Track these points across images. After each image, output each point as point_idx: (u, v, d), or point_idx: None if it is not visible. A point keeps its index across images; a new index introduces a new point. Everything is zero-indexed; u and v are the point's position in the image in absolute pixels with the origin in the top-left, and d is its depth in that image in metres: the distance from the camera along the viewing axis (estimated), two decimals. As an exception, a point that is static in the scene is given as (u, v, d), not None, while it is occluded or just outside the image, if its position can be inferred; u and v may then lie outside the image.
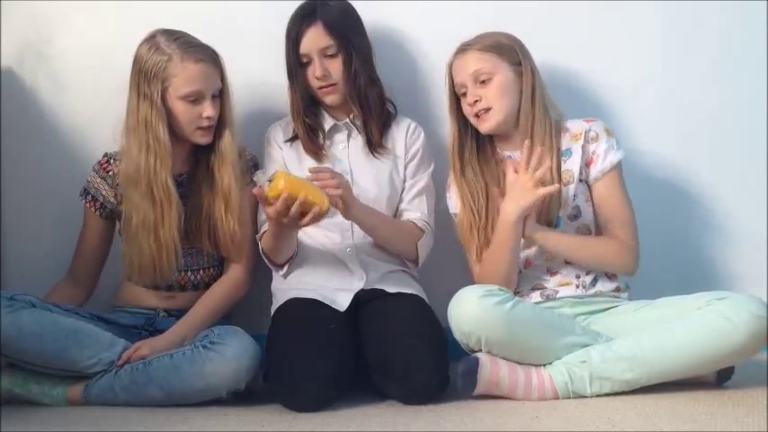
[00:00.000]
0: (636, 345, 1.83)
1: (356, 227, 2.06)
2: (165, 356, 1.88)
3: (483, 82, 2.02)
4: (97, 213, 2.10)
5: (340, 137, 2.15)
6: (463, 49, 2.06)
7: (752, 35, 2.33)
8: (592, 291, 2.02)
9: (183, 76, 1.99)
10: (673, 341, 1.82)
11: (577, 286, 2.01)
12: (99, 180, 2.09)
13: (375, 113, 2.12)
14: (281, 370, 1.84)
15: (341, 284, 2.04)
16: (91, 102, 2.19)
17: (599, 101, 2.32)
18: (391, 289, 2.03)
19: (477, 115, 2.03)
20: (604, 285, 2.04)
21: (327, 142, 2.14)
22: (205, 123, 2.02)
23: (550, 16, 2.32)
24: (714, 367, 1.86)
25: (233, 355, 1.84)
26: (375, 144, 2.13)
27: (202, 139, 2.04)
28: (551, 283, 2.02)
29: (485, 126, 2.04)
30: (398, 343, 1.85)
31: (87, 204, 2.10)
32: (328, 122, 2.15)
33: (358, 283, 2.04)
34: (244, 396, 1.89)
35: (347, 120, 2.14)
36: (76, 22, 2.31)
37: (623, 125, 2.32)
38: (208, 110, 2.01)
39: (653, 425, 1.62)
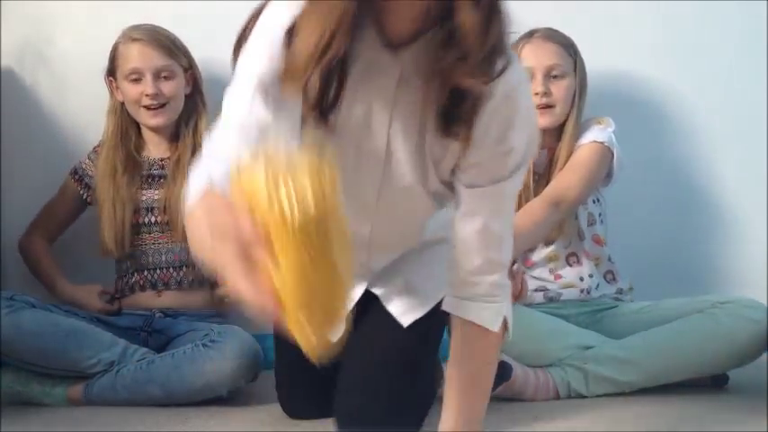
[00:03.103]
0: (636, 347, 1.84)
1: (373, 244, 1.48)
2: (166, 355, 1.88)
3: (555, 77, 1.98)
4: (77, 186, 2.15)
5: None
6: (544, 36, 2.00)
7: (752, 35, 2.33)
8: (597, 294, 2.02)
9: (124, 56, 2.08)
10: (673, 344, 1.82)
11: (582, 290, 2.00)
12: (90, 163, 2.15)
13: None
14: (280, 377, 1.80)
15: None
16: (91, 102, 2.19)
17: (597, 101, 2.32)
18: (393, 308, 1.53)
19: (539, 107, 1.96)
20: (607, 288, 2.04)
21: None
22: (146, 102, 2.06)
23: (548, 13, 2.30)
24: (714, 371, 1.87)
25: (233, 353, 1.85)
26: None
27: (150, 120, 2.08)
28: (555, 285, 2.02)
29: (543, 121, 1.96)
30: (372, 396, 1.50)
31: (73, 180, 2.16)
32: None
33: (359, 291, 1.55)
34: (243, 395, 1.89)
35: None
36: (76, 22, 2.31)
37: (622, 125, 2.32)
38: (147, 88, 2.05)
39: (653, 425, 1.62)
